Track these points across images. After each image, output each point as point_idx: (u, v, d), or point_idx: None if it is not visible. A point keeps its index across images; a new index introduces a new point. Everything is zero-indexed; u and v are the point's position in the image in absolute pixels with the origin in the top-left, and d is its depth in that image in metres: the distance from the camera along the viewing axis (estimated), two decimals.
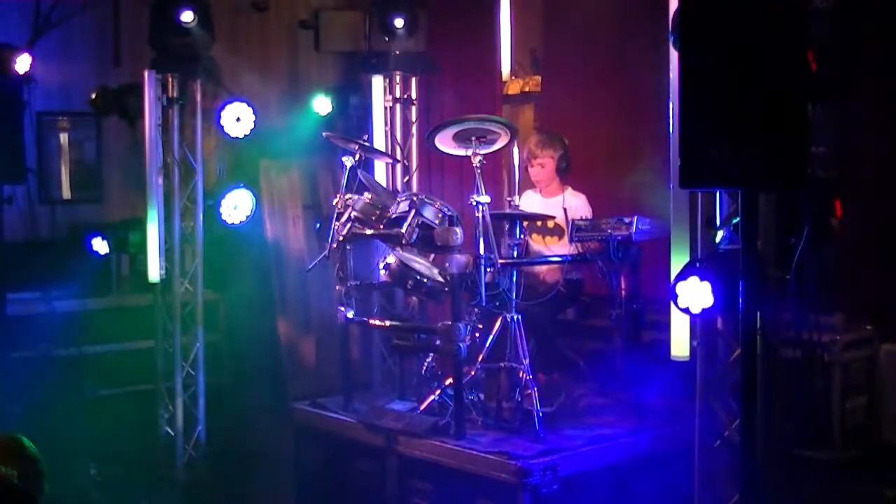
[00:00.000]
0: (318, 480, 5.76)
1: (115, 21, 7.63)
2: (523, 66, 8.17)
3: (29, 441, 3.54)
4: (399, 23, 6.85)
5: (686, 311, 3.86)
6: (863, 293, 5.78)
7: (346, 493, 5.56)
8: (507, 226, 5.45)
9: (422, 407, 5.40)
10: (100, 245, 6.70)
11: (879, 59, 5.52)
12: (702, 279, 3.73)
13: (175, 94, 6.51)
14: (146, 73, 6.38)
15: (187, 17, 6.19)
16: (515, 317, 5.23)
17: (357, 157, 5.61)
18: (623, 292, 5.33)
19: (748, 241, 3.31)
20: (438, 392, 5.38)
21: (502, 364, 5.23)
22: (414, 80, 7.02)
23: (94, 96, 6.74)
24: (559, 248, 5.71)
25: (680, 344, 4.50)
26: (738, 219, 3.38)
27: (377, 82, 6.98)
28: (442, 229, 5.07)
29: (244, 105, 6.69)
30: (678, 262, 4.27)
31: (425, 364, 5.59)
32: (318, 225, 6.04)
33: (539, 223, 5.92)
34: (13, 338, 6.42)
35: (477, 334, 5.25)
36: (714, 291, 3.68)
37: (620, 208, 5.45)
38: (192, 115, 6.62)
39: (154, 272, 6.45)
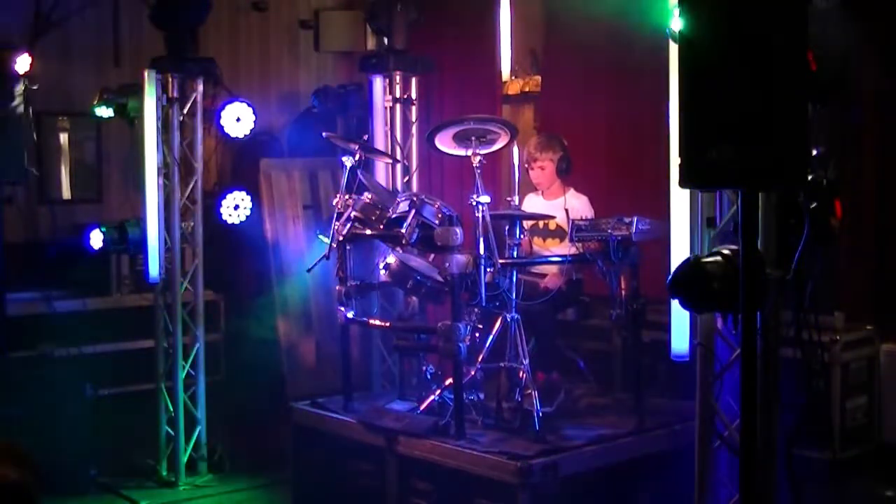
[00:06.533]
0: (317, 480, 5.75)
1: (115, 21, 7.64)
2: (523, 66, 8.18)
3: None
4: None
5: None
6: (863, 293, 5.79)
7: (345, 493, 5.55)
8: (507, 226, 5.45)
9: (422, 407, 5.40)
10: (97, 239, 6.69)
11: (879, 59, 5.52)
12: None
13: (175, 94, 6.51)
14: (146, 73, 6.39)
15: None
16: (515, 317, 5.23)
17: (357, 157, 5.60)
18: (623, 292, 5.32)
19: (748, 241, 3.31)
20: (438, 392, 5.38)
21: (502, 364, 5.23)
22: (414, 80, 7.02)
23: (96, 101, 6.74)
24: (560, 250, 5.70)
25: (680, 343, 4.50)
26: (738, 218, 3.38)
27: (377, 82, 6.98)
28: (442, 229, 5.07)
29: (244, 105, 6.70)
30: (678, 262, 4.27)
31: (425, 364, 5.59)
32: (319, 233, 6.06)
33: (540, 226, 5.92)
34: (13, 338, 6.43)
35: (477, 334, 5.24)
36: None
37: (621, 208, 5.44)
38: (191, 115, 6.62)
39: (154, 272, 6.45)
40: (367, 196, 5.44)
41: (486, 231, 5.09)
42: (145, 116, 6.41)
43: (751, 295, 3.30)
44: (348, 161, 5.58)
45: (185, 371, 6.69)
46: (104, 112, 6.71)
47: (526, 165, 5.91)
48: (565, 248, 5.57)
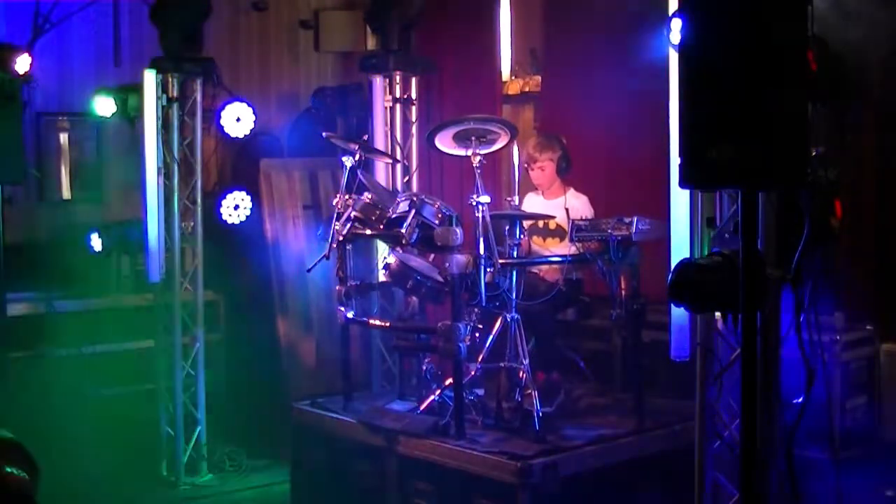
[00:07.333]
0: (317, 480, 5.75)
1: (115, 21, 7.64)
2: (523, 66, 8.17)
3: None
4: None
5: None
6: (863, 293, 5.78)
7: (345, 493, 5.55)
8: (507, 226, 5.45)
9: (422, 407, 5.40)
10: (97, 242, 6.70)
11: (879, 58, 5.52)
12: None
13: (175, 94, 6.51)
14: (146, 73, 6.39)
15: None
16: (515, 317, 5.23)
17: (357, 157, 5.60)
18: (623, 292, 5.32)
19: (748, 241, 3.31)
20: (438, 392, 5.38)
21: (502, 364, 5.23)
22: (414, 80, 7.01)
23: (96, 101, 6.74)
24: (560, 250, 5.70)
25: (680, 344, 4.50)
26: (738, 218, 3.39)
27: (377, 82, 6.97)
28: (442, 229, 5.07)
29: (244, 105, 6.70)
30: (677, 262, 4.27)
31: (425, 364, 5.58)
32: (319, 230, 6.05)
33: (540, 225, 5.92)
34: (13, 338, 6.42)
35: (477, 334, 5.24)
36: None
37: (621, 208, 5.44)
38: (192, 115, 6.63)
39: (154, 272, 6.45)
40: (367, 196, 5.44)
41: (486, 231, 5.09)
42: (145, 116, 6.41)
43: (751, 295, 3.30)
44: (348, 161, 5.57)
45: (185, 371, 6.69)
46: (104, 112, 6.72)
47: (526, 166, 5.91)
48: (565, 248, 5.57)
